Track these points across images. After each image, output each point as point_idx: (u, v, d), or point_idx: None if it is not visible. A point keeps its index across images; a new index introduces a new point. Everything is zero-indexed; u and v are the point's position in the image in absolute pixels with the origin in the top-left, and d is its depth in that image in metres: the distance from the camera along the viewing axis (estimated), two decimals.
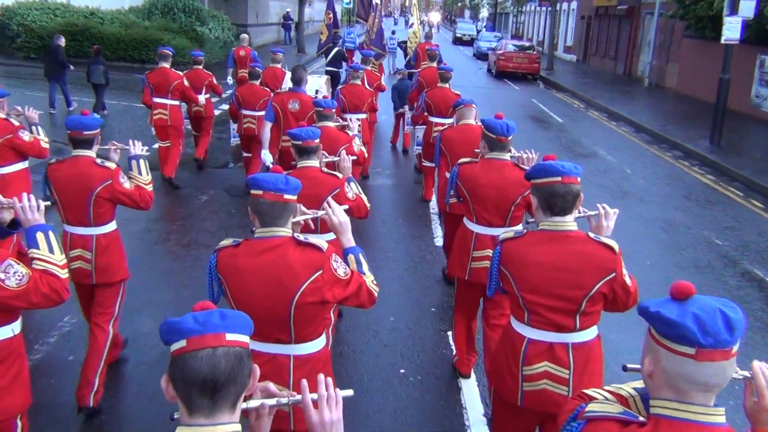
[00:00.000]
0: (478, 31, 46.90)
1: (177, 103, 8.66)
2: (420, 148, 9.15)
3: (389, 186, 9.80)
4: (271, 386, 1.89)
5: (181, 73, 8.78)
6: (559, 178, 2.82)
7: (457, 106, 5.95)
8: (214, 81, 9.77)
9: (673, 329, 1.54)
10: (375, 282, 2.84)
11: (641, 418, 1.64)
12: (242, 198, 8.51)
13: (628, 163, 12.21)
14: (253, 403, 1.81)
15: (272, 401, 1.82)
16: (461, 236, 4.44)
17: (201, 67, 9.76)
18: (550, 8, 39.40)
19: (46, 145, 5.63)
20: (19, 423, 2.96)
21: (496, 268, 3.01)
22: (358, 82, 8.70)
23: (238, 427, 1.57)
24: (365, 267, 2.84)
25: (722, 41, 12.98)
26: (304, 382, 1.80)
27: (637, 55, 26.60)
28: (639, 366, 1.70)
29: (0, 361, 2.76)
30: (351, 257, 2.85)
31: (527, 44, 28.86)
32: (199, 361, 1.51)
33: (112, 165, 4.10)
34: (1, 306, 2.67)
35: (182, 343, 1.54)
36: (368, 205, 4.24)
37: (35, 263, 2.80)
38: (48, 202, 3.11)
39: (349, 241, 2.89)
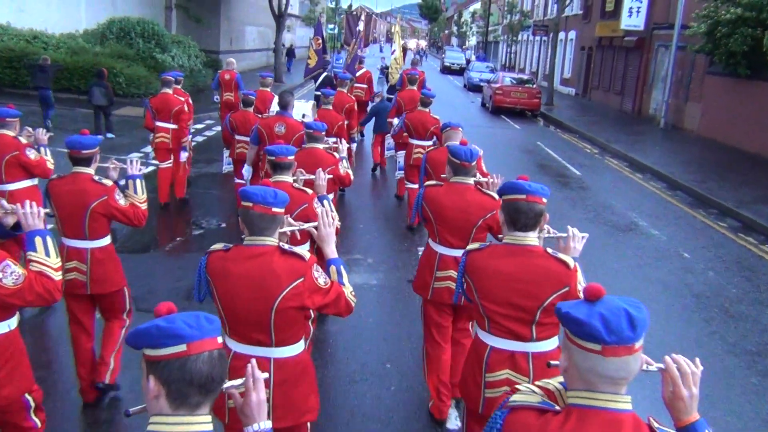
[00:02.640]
0: (468, 61, 44.62)
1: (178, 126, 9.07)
2: (402, 172, 9.31)
3: (374, 289, 6.93)
4: None
5: (182, 99, 9.22)
6: (524, 196, 2.97)
7: (444, 128, 6.24)
8: (190, 100, 10.05)
9: (581, 328, 1.66)
10: (353, 293, 3.02)
11: (557, 407, 1.74)
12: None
13: (680, 241, 9.54)
14: None
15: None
16: (426, 256, 4.50)
17: (179, 87, 10.04)
18: (545, 38, 37.22)
19: (51, 166, 5.86)
20: (29, 397, 3.19)
21: (461, 276, 3.19)
22: (329, 107, 8.94)
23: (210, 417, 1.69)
24: (345, 278, 3.01)
25: None
26: (249, 367, 1.90)
27: (648, 91, 24.12)
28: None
29: None
30: (333, 268, 2.99)
31: (526, 77, 26.28)
32: (201, 363, 1.61)
33: (108, 182, 4.32)
34: None
35: (182, 347, 1.61)
36: (339, 223, 4.34)
37: (32, 265, 2.99)
38: (48, 210, 3.48)
39: (332, 252, 3.06)
